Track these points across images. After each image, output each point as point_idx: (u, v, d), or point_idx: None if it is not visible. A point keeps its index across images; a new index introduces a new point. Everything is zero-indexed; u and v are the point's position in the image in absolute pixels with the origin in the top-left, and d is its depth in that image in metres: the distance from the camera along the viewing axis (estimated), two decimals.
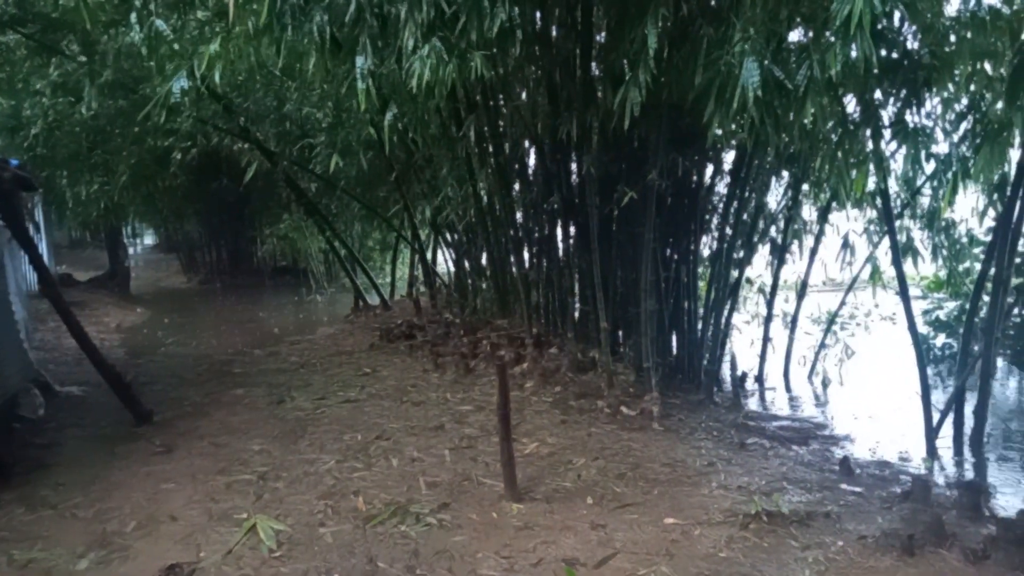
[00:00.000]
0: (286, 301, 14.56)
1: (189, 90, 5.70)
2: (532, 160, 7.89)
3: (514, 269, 7.89)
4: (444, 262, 11.35)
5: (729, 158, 7.02)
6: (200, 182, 14.68)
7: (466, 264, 9.62)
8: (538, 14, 6.36)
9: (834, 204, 7.13)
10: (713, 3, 5.09)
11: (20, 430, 5.76)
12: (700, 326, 7.22)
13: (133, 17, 5.71)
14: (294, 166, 10.62)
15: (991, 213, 5.82)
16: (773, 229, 7.47)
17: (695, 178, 6.95)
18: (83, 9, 6.36)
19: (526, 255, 7.91)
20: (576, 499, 4.25)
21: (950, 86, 5.04)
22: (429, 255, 11.28)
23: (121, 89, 9.01)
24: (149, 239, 28.19)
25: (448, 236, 10.11)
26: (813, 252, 7.51)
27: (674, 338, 7.21)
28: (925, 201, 6.92)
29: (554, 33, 6.65)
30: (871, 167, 5.20)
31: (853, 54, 3.69)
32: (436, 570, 3.46)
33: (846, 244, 7.18)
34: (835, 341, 8.16)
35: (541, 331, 7.48)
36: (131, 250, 21.03)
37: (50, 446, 5.46)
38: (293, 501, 4.24)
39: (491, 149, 7.71)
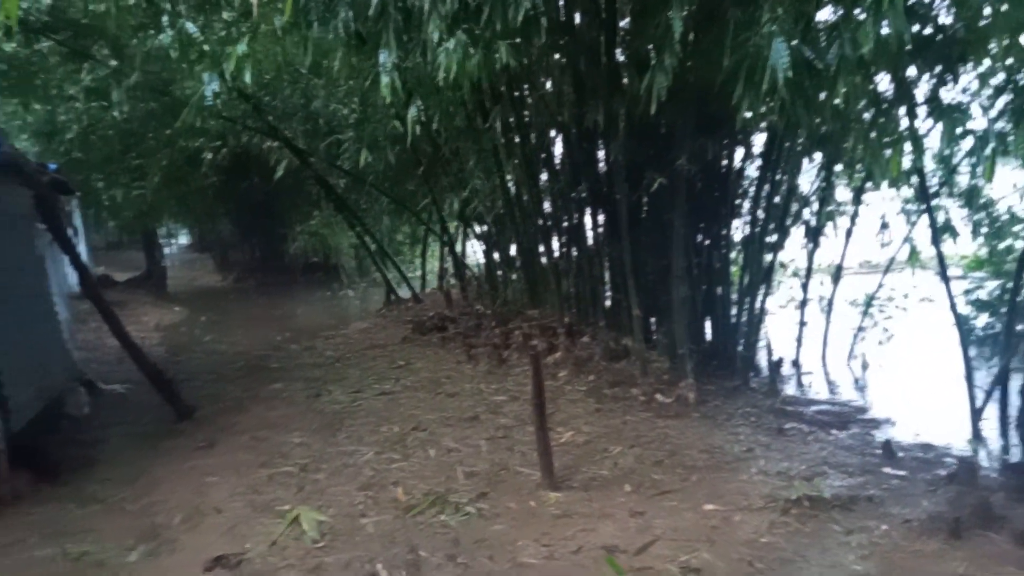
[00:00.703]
0: (318, 297, 14.73)
1: (219, 91, 5.78)
2: (559, 149, 7.87)
3: (544, 259, 7.88)
4: (473, 254, 11.38)
5: (759, 141, 6.93)
6: (231, 181, 14.89)
7: (496, 255, 9.64)
8: (562, 2, 6.31)
9: (869, 184, 6.99)
10: None
11: (67, 428, 5.93)
12: (734, 311, 7.15)
13: (164, 20, 5.79)
14: (323, 163, 10.71)
15: None
16: (806, 212, 7.35)
17: (725, 162, 6.87)
18: (112, 14, 6.50)
19: (555, 245, 7.89)
20: (614, 487, 4.25)
21: (986, 60, 4.89)
22: (458, 247, 11.31)
23: (151, 92, 9.17)
24: (183, 239, 28.67)
25: (477, 228, 10.13)
26: (848, 234, 7.38)
27: (708, 324, 7.15)
28: (963, 179, 6.75)
29: (578, 20, 6.61)
30: (906, 146, 5.08)
31: (885, 31, 3.61)
32: (477, 559, 3.49)
33: (883, 225, 7.04)
34: (873, 324, 8.03)
35: (573, 320, 7.46)
36: (166, 250, 21.42)
37: (96, 443, 5.61)
38: (334, 492, 4.30)
39: (517, 139, 7.70)
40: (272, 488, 4.42)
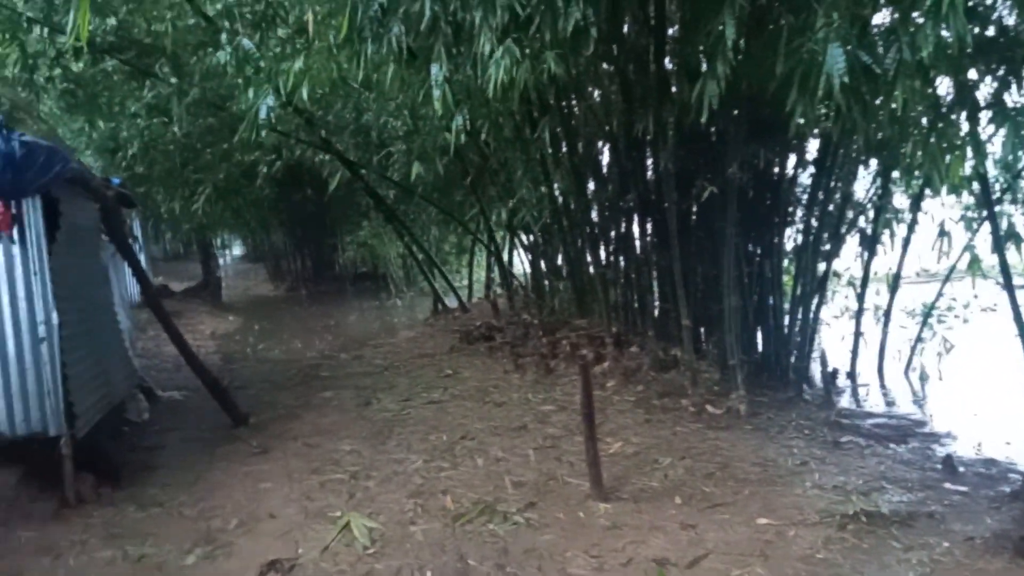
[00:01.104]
0: (367, 306, 14.95)
1: (274, 107, 5.94)
2: (607, 158, 7.85)
3: (592, 268, 7.86)
4: (520, 263, 11.41)
5: (813, 148, 6.80)
6: (284, 193, 15.26)
7: (543, 265, 9.65)
8: (611, 11, 6.31)
9: (927, 191, 6.78)
10: None
11: (127, 434, 6.13)
12: (787, 322, 7.01)
13: (223, 38, 5.97)
14: (373, 174, 10.89)
15: None
16: (862, 219, 7.17)
17: (777, 170, 6.76)
18: (170, 33, 6.74)
19: (603, 254, 7.87)
20: (664, 499, 4.20)
21: None
22: (505, 257, 11.36)
23: (209, 107, 9.47)
24: (238, 250, 29.40)
25: (524, 237, 10.16)
26: (906, 242, 7.17)
27: (759, 334, 7.02)
28: None
29: (627, 29, 6.60)
30: (967, 151, 4.93)
31: (945, 34, 3.52)
32: (526, 568, 3.49)
33: (942, 232, 6.82)
34: (932, 335, 7.77)
35: (621, 330, 7.42)
36: (221, 261, 22.00)
37: (155, 448, 5.79)
38: (384, 500, 4.35)
39: (565, 149, 7.71)
40: (324, 494, 4.50)
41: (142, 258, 11.91)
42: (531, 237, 9.78)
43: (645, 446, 5.09)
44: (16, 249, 4.64)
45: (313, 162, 12.10)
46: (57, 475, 4.47)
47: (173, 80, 8.39)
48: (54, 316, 4.66)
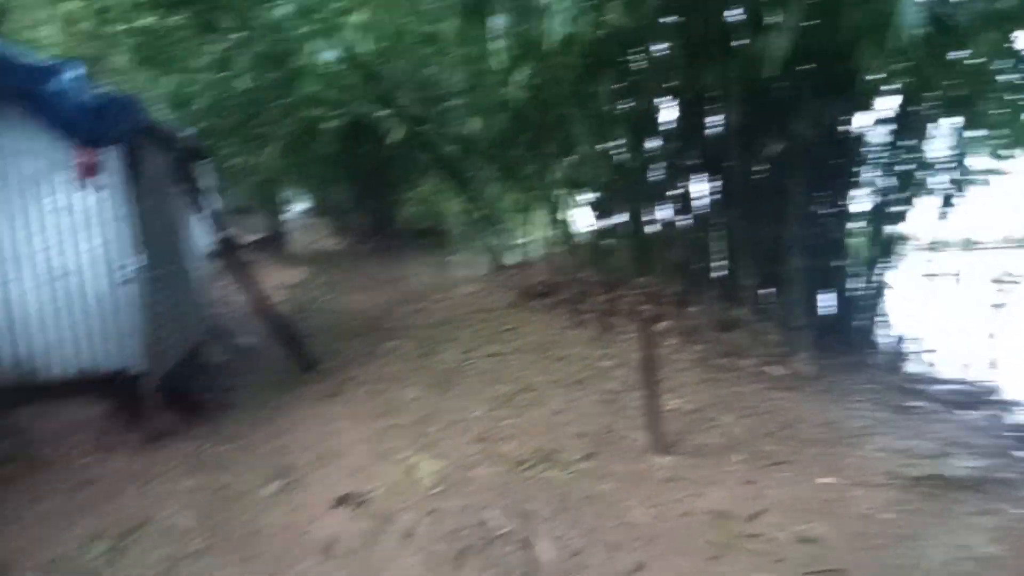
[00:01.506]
0: (427, 261, 15.11)
1: (336, 60, 5.99)
2: (670, 114, 7.69)
3: (652, 226, 7.77)
4: (580, 221, 11.35)
5: (884, 105, 6.52)
6: (348, 149, 15.40)
7: (603, 222, 9.58)
8: None
9: (1007, 150, 6.45)
10: None
11: (204, 375, 6.43)
12: (854, 284, 6.83)
13: None
14: (434, 130, 10.92)
15: None
16: (935, 179, 6.88)
17: (846, 127, 6.52)
18: None
19: (665, 212, 7.76)
20: (723, 455, 4.21)
21: None
22: (565, 214, 11.31)
23: (273, 61, 9.59)
24: (303, 204, 29.90)
25: (583, 194, 10.08)
26: (981, 204, 6.86)
27: (825, 296, 6.87)
28: None
29: None
30: None
31: None
32: (585, 514, 3.57)
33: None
34: (1006, 300, 7.47)
35: (681, 289, 7.36)
36: (288, 214, 22.42)
37: (229, 390, 6.07)
38: (447, 444, 4.49)
39: (627, 104, 7.57)
40: (390, 437, 4.67)
41: (213, 209, 12.32)
42: (591, 194, 9.69)
43: (705, 404, 5.09)
44: (100, 195, 4.88)
45: (376, 118, 12.19)
46: (141, 410, 4.75)
47: (239, 34, 8.53)
48: (136, 259, 4.89)
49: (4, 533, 3.74)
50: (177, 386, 5.36)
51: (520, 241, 13.18)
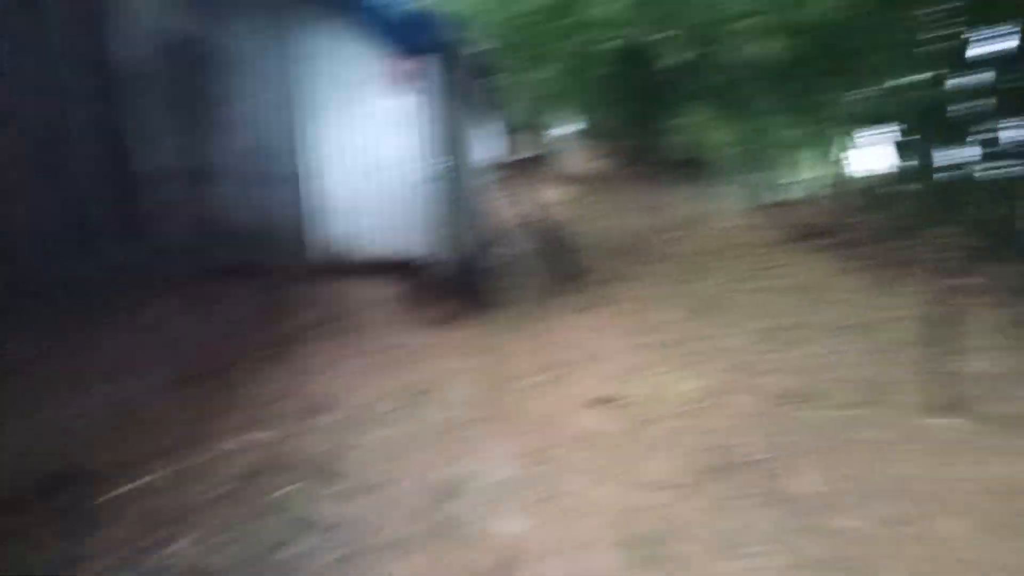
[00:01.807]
0: (691, 191, 14.79)
1: None
2: (988, 47, 6.58)
3: (950, 172, 6.84)
4: (862, 161, 10.33)
5: None
6: (623, 73, 15.34)
7: (891, 164, 8.64)
8: None
9: None
10: None
11: (485, 274, 7.06)
12: None
13: None
14: (716, 54, 10.46)
15: None
16: None
17: None
18: None
19: (966, 157, 6.77)
20: (1019, 427, 3.76)
21: None
22: (845, 153, 10.35)
23: None
24: (573, 126, 30.55)
25: (873, 132, 9.11)
26: None
27: None
28: None
29: None
30: None
31: None
32: (843, 458, 3.43)
33: None
34: None
35: (980, 244, 6.46)
36: (559, 135, 23.05)
37: (501, 290, 6.60)
38: (704, 367, 4.55)
39: (936, 32, 6.60)
40: (648, 352, 4.85)
41: (493, 127, 13.12)
42: (882, 132, 8.74)
43: (1003, 371, 4.53)
44: (416, 99, 5.47)
45: (653, 41, 11.94)
46: (434, 294, 5.41)
47: None
48: (445, 158, 5.46)
49: (319, 380, 4.51)
50: (465, 278, 5.98)
51: (789, 180, 12.35)
